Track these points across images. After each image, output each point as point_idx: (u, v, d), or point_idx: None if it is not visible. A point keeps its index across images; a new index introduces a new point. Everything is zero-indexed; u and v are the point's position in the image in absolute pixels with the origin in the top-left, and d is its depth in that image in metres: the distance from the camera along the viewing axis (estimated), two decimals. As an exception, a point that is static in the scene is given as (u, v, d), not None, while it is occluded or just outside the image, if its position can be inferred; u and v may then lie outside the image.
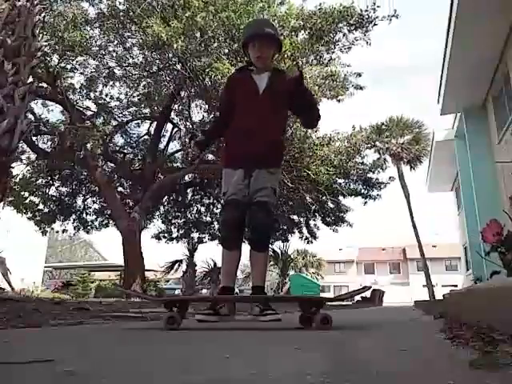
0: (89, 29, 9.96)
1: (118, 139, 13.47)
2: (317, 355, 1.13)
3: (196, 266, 16.14)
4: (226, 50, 9.28)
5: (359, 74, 10.53)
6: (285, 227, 14.46)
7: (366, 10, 8.95)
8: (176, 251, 39.15)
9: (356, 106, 48.84)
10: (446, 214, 52.15)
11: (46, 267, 22.82)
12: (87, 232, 13.98)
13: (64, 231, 13.97)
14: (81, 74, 11.04)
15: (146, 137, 13.52)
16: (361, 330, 2.16)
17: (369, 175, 12.36)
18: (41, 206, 12.68)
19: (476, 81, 8.35)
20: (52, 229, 13.93)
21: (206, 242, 15.35)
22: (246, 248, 2.57)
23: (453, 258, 33.49)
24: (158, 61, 10.32)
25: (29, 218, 12.38)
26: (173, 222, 14.85)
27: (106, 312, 3.32)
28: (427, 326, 2.47)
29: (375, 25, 9.11)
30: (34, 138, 11.03)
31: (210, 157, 11.52)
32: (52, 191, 12.95)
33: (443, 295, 3.79)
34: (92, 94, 11.49)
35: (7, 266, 9.61)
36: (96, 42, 10.20)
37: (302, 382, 0.78)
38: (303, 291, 13.61)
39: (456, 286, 21.85)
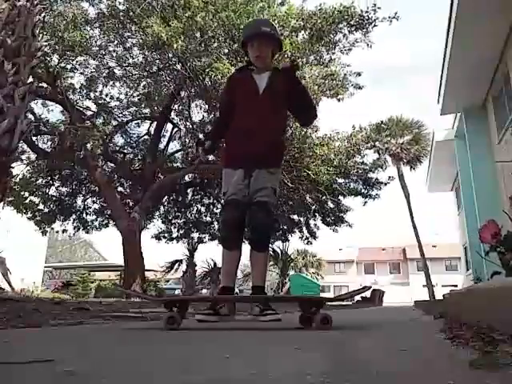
0: (89, 29, 9.96)
1: (118, 139, 13.49)
2: (317, 355, 1.13)
3: (196, 265, 16.15)
4: (226, 50, 9.28)
5: (359, 74, 10.54)
6: (285, 227, 14.46)
7: (367, 11, 8.95)
8: (176, 251, 39.16)
9: (356, 105, 48.84)
10: (446, 213, 52.20)
11: (45, 267, 22.81)
12: (87, 232, 13.98)
13: (64, 231, 13.96)
14: (81, 74, 11.05)
15: (146, 137, 13.53)
16: (361, 330, 2.16)
17: (369, 175, 12.37)
18: (41, 206, 12.68)
19: (476, 81, 8.35)
20: (52, 229, 13.93)
21: (206, 242, 15.36)
22: (246, 248, 2.58)
23: (453, 258, 33.49)
24: (158, 61, 10.32)
25: (29, 218, 12.38)
26: (173, 222, 14.85)
27: (106, 312, 3.32)
28: (427, 326, 2.47)
29: (375, 26, 9.10)
30: (34, 138, 11.03)
31: (210, 157, 11.52)
32: (52, 191, 12.96)
33: (443, 295, 3.79)
34: (92, 94, 11.50)
35: (7, 266, 9.60)
36: (96, 42, 10.20)
37: (302, 382, 0.78)
38: (303, 291, 13.61)
39: (456, 285, 21.85)
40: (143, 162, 12.86)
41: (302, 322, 2.07)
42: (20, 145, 7.80)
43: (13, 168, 4.77)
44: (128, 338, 1.67)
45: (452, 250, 28.21)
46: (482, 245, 2.46)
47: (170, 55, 9.51)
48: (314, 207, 12.90)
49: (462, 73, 7.99)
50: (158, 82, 10.81)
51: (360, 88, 10.61)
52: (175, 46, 8.25)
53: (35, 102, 10.64)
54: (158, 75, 10.68)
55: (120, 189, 13.30)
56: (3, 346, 1.33)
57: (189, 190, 14.24)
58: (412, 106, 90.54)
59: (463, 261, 15.41)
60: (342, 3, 8.89)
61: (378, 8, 8.93)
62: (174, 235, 14.94)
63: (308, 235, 14.06)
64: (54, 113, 18.07)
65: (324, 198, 12.07)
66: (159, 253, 36.08)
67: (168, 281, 22.59)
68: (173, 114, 12.78)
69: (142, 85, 11.23)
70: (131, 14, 9.32)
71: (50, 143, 12.12)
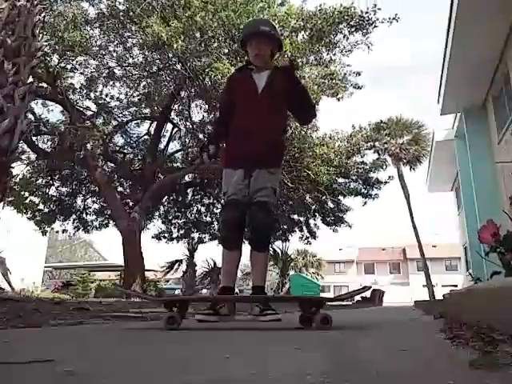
0: (89, 29, 9.96)
1: (118, 139, 13.49)
2: (317, 355, 1.13)
3: (196, 265, 16.14)
4: (226, 50, 9.28)
5: (358, 73, 10.54)
6: (285, 227, 14.46)
7: (367, 12, 8.94)
8: (176, 251, 39.17)
9: (356, 105, 48.95)
10: (446, 213, 52.16)
11: (45, 267, 22.81)
12: (87, 232, 13.98)
13: (64, 231, 13.97)
14: (81, 74, 11.05)
15: (146, 137, 13.52)
16: (361, 330, 2.16)
17: (369, 175, 12.38)
18: (41, 206, 12.68)
19: (476, 81, 8.35)
20: (52, 229, 13.93)
21: (206, 242, 15.36)
22: (246, 248, 2.58)
23: (453, 258, 33.48)
24: (158, 61, 10.32)
25: (29, 218, 12.38)
26: (173, 222, 14.85)
27: (106, 312, 3.32)
28: (427, 325, 2.47)
29: (375, 27, 9.10)
30: (34, 138, 11.02)
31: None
32: (52, 191, 12.96)
33: (443, 295, 3.78)
34: (92, 94, 11.50)
35: (7, 266, 9.60)
36: (96, 42, 10.19)
37: (302, 382, 0.78)
38: (303, 291, 13.61)
39: (456, 285, 21.84)
40: (143, 161, 12.86)
41: (301, 322, 2.07)
42: (20, 145, 7.79)
43: (13, 168, 4.77)
44: (128, 338, 1.67)
45: (452, 250, 28.21)
46: (482, 245, 2.45)
47: (170, 55, 9.51)
48: (313, 207, 12.91)
49: (462, 73, 7.99)
50: (158, 82, 10.81)
51: (359, 88, 10.62)
52: (175, 46, 8.24)
53: (35, 102, 10.64)
54: (158, 75, 10.68)
55: (120, 189, 13.30)
56: (3, 346, 1.33)
57: (189, 190, 14.23)
58: (412, 106, 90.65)
59: (463, 261, 15.41)
60: (342, 4, 8.90)
61: (379, 9, 8.94)
62: (174, 235, 14.95)
63: (308, 235, 14.07)
64: (54, 113, 18.07)
65: (324, 197, 12.08)
66: (159, 253, 36.11)
67: (168, 281, 22.58)
68: (173, 114, 12.78)
69: (142, 85, 11.23)
70: (131, 14, 9.32)
71: (50, 143, 12.12)
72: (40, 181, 12.42)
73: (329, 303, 4.41)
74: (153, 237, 14.70)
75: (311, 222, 13.87)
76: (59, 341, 1.56)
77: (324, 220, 13.27)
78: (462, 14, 6.49)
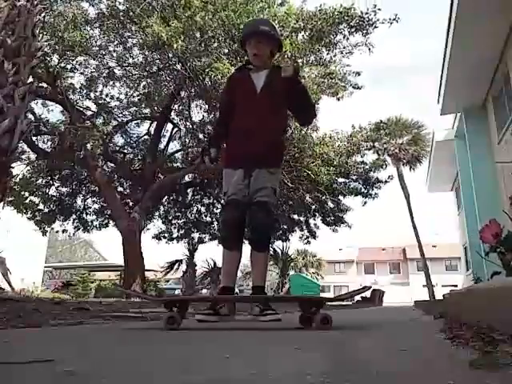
0: (89, 29, 9.95)
1: (118, 139, 13.48)
2: (317, 355, 1.13)
3: (196, 265, 16.15)
4: (226, 50, 9.28)
5: (358, 73, 10.53)
6: (285, 226, 14.46)
7: (367, 13, 8.93)
8: (176, 251, 39.17)
9: (356, 105, 48.91)
10: (446, 213, 52.17)
11: (45, 267, 22.80)
12: (87, 232, 13.99)
13: (64, 231, 13.96)
14: (81, 74, 11.04)
15: (146, 137, 13.52)
16: (361, 330, 2.16)
17: (369, 174, 12.37)
18: (41, 206, 12.68)
19: (476, 81, 8.35)
20: (52, 229, 13.93)
21: (206, 242, 15.35)
22: (246, 248, 2.58)
23: (453, 258, 33.49)
24: (158, 61, 10.31)
25: (29, 218, 12.38)
26: (173, 222, 14.84)
27: (106, 312, 3.32)
28: (427, 325, 2.47)
29: (376, 27, 9.09)
30: (34, 138, 11.02)
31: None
32: (52, 191, 12.95)
33: (443, 295, 3.79)
34: (92, 94, 11.49)
35: (7, 266, 9.60)
36: (96, 42, 10.19)
37: (302, 382, 0.78)
38: (303, 291, 13.62)
39: (456, 285, 21.85)
40: (143, 161, 12.85)
41: (301, 322, 2.07)
42: (20, 145, 7.80)
43: (13, 168, 4.77)
44: (128, 338, 1.67)
45: (452, 250, 28.21)
46: (482, 245, 2.45)
47: (170, 55, 9.51)
48: (313, 207, 12.92)
49: (462, 73, 7.99)
50: (158, 82, 10.81)
51: (359, 88, 10.62)
52: (175, 46, 8.24)
53: (35, 102, 10.64)
54: (158, 75, 10.68)
55: (120, 189, 13.30)
56: (3, 346, 1.33)
57: (189, 190, 14.23)
58: (412, 106, 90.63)
59: (463, 261, 15.41)
60: (342, 4, 8.89)
61: (379, 9, 8.93)
62: (174, 235, 14.94)
63: (308, 234, 14.07)
64: (54, 113, 18.05)
65: (324, 197, 12.08)
66: (159, 253, 36.14)
67: (168, 281, 22.59)
68: (173, 114, 12.78)
69: (142, 85, 11.23)
70: (131, 14, 9.32)
71: (50, 143, 12.11)
72: (40, 181, 12.42)
73: (329, 303, 4.41)
74: (153, 237, 14.71)
75: (311, 221, 13.88)
76: (59, 341, 1.56)
77: (324, 220, 13.27)
78: (462, 13, 6.49)
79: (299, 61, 9.08)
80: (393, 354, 1.18)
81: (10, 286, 9.36)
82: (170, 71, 10.52)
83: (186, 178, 13.36)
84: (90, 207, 13.82)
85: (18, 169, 11.11)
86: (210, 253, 37.23)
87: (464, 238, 12.14)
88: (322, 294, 23.19)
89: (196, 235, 15.30)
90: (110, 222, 13.35)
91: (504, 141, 7.90)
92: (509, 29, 6.90)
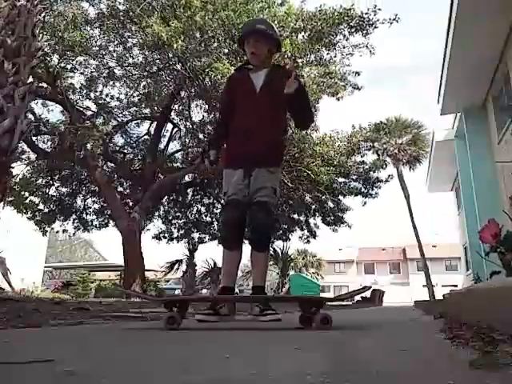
0: (89, 29, 9.95)
1: (118, 139, 13.48)
2: (317, 355, 1.13)
3: (196, 266, 16.16)
4: (226, 50, 9.28)
5: (358, 73, 10.52)
6: (285, 226, 14.46)
7: (367, 13, 8.93)
8: (176, 251, 39.18)
9: (356, 105, 48.98)
10: (446, 213, 52.16)
11: (45, 267, 22.80)
12: (87, 232, 13.99)
13: (64, 231, 13.97)
14: (81, 74, 11.05)
15: (146, 137, 13.52)
16: (361, 330, 2.16)
17: (369, 174, 12.38)
18: (41, 206, 12.68)
19: (476, 81, 8.35)
20: (52, 229, 13.93)
21: (206, 242, 15.36)
22: (246, 248, 2.58)
23: (453, 258, 33.48)
24: (158, 61, 10.32)
25: (29, 218, 12.39)
26: (173, 222, 14.85)
27: (106, 312, 3.32)
28: (427, 325, 2.47)
29: (376, 27, 9.08)
30: (34, 138, 11.02)
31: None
32: (52, 191, 12.96)
33: (443, 295, 3.78)
34: (92, 94, 11.49)
35: (7, 266, 9.61)
36: (96, 42, 10.19)
37: (302, 382, 0.78)
38: (303, 291, 13.62)
39: (456, 286, 21.85)
40: (143, 161, 12.86)
41: (301, 322, 2.07)
42: (20, 145, 7.80)
43: (13, 168, 4.77)
44: (128, 338, 1.67)
45: (452, 250, 28.21)
46: (482, 245, 2.45)
47: (170, 55, 9.51)
48: (313, 207, 12.92)
49: (462, 73, 7.99)
50: (158, 82, 10.81)
51: (358, 89, 10.61)
52: (175, 46, 8.24)
53: (35, 102, 10.64)
54: (158, 75, 10.68)
55: (120, 189, 13.30)
56: (3, 346, 1.33)
57: (189, 190, 14.23)
58: (412, 106, 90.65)
59: (463, 261, 15.41)
60: (342, 5, 8.89)
61: (379, 9, 8.92)
62: (175, 235, 14.94)
63: (308, 234, 14.08)
64: (54, 113, 18.05)
65: (324, 197, 12.09)
66: (159, 253, 36.12)
67: (168, 281, 22.59)
68: (173, 114, 12.78)
69: (142, 85, 11.23)
70: (131, 14, 9.32)
71: (50, 143, 12.11)
72: (40, 181, 12.42)
73: (329, 303, 4.41)
74: (153, 237, 14.71)
75: (311, 221, 13.89)
76: (59, 341, 1.56)
77: (324, 220, 13.28)
78: (462, 13, 6.49)
79: (299, 61, 9.09)
80: (393, 353, 1.18)
81: (10, 285, 9.36)
82: (170, 71, 10.53)
83: (186, 178, 13.36)
84: (90, 207, 13.84)
85: (18, 169, 11.12)
86: (210, 253, 37.27)
87: (464, 238, 12.14)
88: (322, 294, 23.19)
89: (196, 235, 15.32)
90: (110, 221, 13.35)
91: (504, 141, 7.90)
92: (509, 29, 6.90)
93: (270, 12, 8.99)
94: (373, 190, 12.45)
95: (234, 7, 8.52)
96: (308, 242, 14.22)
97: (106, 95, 11.73)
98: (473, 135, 9.33)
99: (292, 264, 24.90)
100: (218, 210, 13.83)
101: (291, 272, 22.58)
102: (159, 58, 10.08)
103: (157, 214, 14.39)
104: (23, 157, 11.26)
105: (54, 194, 13.08)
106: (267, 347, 1.36)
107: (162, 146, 13.29)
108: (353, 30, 9.19)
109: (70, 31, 9.14)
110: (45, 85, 10.34)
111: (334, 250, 40.51)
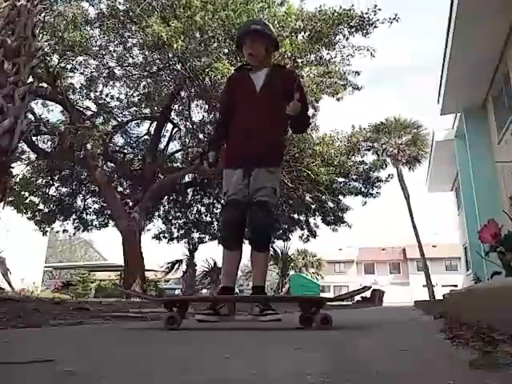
0: (89, 29, 9.95)
1: (118, 139, 13.48)
2: (317, 355, 1.13)
3: (196, 265, 16.15)
4: (226, 50, 9.27)
5: (357, 73, 10.51)
6: (285, 226, 14.46)
7: (367, 13, 8.93)
8: (176, 251, 39.17)
9: (356, 105, 48.96)
10: (446, 213, 52.14)
11: (45, 267, 22.80)
12: (87, 231, 13.99)
13: (64, 231, 13.97)
14: (81, 74, 11.04)
15: (146, 137, 13.52)
16: (361, 330, 2.16)
17: (369, 174, 12.37)
18: (41, 206, 12.68)
19: (476, 81, 8.35)
20: (52, 229, 13.93)
21: (206, 242, 15.36)
22: (246, 248, 2.58)
23: (453, 258, 33.48)
24: (158, 61, 10.31)
25: (29, 218, 12.38)
26: (173, 222, 14.85)
27: (106, 312, 3.32)
28: (427, 325, 2.47)
29: (376, 27, 9.08)
30: (34, 138, 11.02)
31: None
32: (52, 191, 12.95)
33: (443, 295, 3.79)
34: (92, 94, 11.48)
35: (7, 266, 9.61)
36: (96, 42, 10.19)
37: (302, 382, 0.78)
38: (303, 291, 13.62)
39: (456, 285, 21.85)
40: (143, 161, 12.85)
41: (301, 322, 2.07)
42: (20, 145, 7.81)
43: (13, 168, 4.77)
44: (128, 338, 1.67)
45: (452, 250, 28.21)
46: (482, 245, 2.45)
47: (170, 55, 9.51)
48: (313, 206, 12.92)
49: (462, 73, 7.99)
50: (157, 82, 10.81)
51: (358, 89, 10.61)
52: (175, 45, 8.24)
53: (35, 101, 10.63)
54: (158, 75, 10.67)
55: (120, 189, 13.30)
56: (3, 346, 1.33)
57: (189, 190, 14.23)
58: (412, 106, 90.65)
59: (463, 261, 15.41)
60: (342, 6, 8.89)
61: (379, 9, 8.92)
62: (175, 235, 14.94)
63: (308, 234, 14.08)
64: (54, 113, 18.05)
65: (324, 197, 12.09)
66: (159, 253, 36.09)
67: (168, 281, 22.59)
68: (173, 114, 12.78)
69: (142, 85, 11.22)
70: (131, 14, 9.32)
71: (50, 143, 12.11)
72: (40, 181, 12.42)
73: (329, 303, 4.41)
74: (153, 237, 14.70)
75: (311, 221, 13.90)
76: (59, 341, 1.56)
77: (324, 219, 13.27)
78: (462, 13, 6.49)
79: (299, 61, 9.08)
80: (393, 353, 1.18)
81: (10, 285, 9.36)
82: (170, 71, 10.52)
83: (186, 178, 13.36)
84: (90, 207, 13.84)
85: (18, 169, 11.12)
86: (210, 253, 37.23)
87: (464, 238, 12.14)
88: (322, 294, 23.19)
89: (196, 235, 15.31)
90: (110, 221, 13.35)
91: (504, 141, 7.90)
92: (509, 29, 6.90)
93: (270, 12, 8.99)
94: (373, 189, 12.45)
95: (234, 7, 8.52)
96: (308, 240, 14.21)
97: (106, 95, 11.74)
98: (473, 135, 9.33)
99: (292, 264, 24.91)
100: (218, 210, 13.83)
101: (291, 272, 22.58)
102: (159, 58, 10.08)
103: (157, 214, 14.39)
104: (23, 157, 11.26)
105: (54, 194, 13.08)
106: (267, 347, 1.36)
107: (162, 145, 13.31)
108: (353, 30, 9.18)
109: (70, 31, 9.14)
110: (45, 85, 10.34)
111: (334, 250, 40.51)
